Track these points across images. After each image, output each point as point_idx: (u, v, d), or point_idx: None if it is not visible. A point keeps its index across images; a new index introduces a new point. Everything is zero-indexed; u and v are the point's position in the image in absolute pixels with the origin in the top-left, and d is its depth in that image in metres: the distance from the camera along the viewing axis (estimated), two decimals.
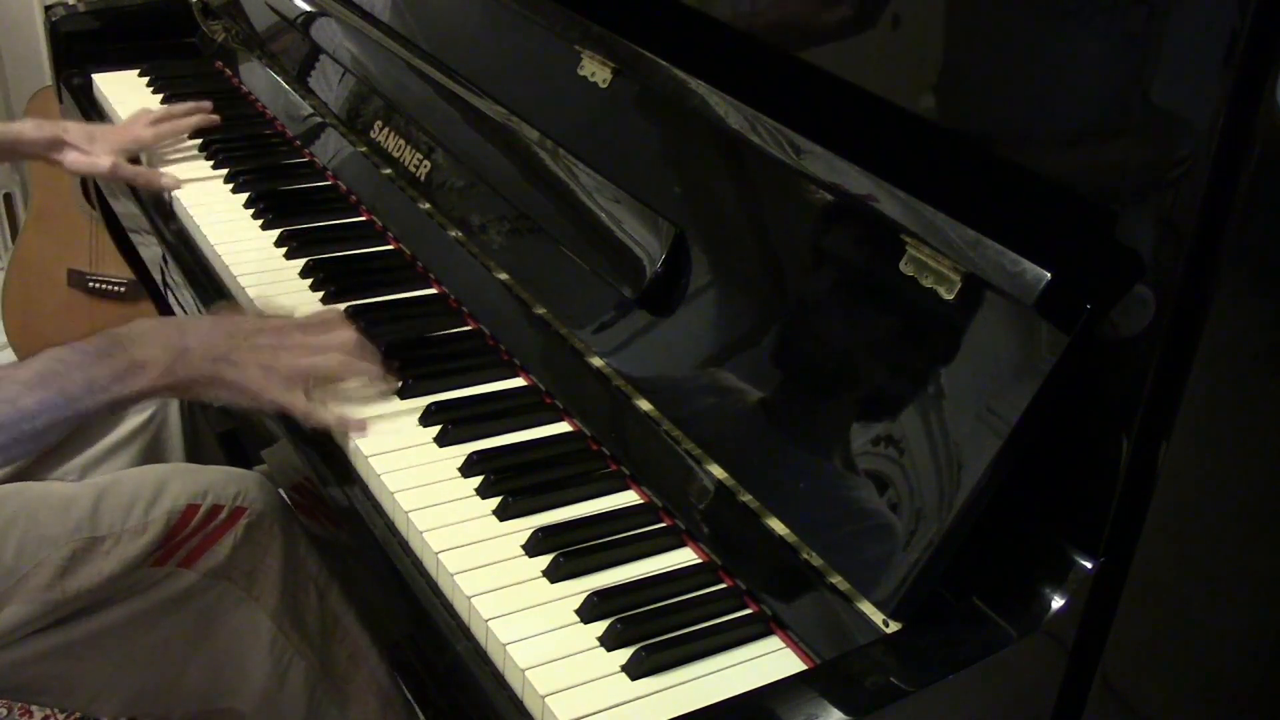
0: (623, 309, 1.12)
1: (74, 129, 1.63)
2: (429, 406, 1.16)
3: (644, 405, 1.09)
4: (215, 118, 1.72)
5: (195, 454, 1.53)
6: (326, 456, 1.15)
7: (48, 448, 1.37)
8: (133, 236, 1.95)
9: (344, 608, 1.29)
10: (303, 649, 1.27)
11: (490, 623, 0.93)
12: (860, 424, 0.91)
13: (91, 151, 1.61)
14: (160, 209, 1.61)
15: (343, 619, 1.29)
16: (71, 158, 1.61)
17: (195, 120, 1.70)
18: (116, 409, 1.11)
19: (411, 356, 1.23)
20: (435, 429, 1.14)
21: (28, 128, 1.62)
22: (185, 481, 1.24)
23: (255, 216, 1.53)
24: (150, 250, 1.73)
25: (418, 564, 1.02)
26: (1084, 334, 0.81)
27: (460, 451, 1.11)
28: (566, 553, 0.99)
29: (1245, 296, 0.79)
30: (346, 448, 1.14)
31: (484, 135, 1.36)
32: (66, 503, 1.20)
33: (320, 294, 1.36)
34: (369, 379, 1.18)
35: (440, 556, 0.99)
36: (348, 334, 1.18)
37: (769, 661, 0.92)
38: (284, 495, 1.30)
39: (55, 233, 2.53)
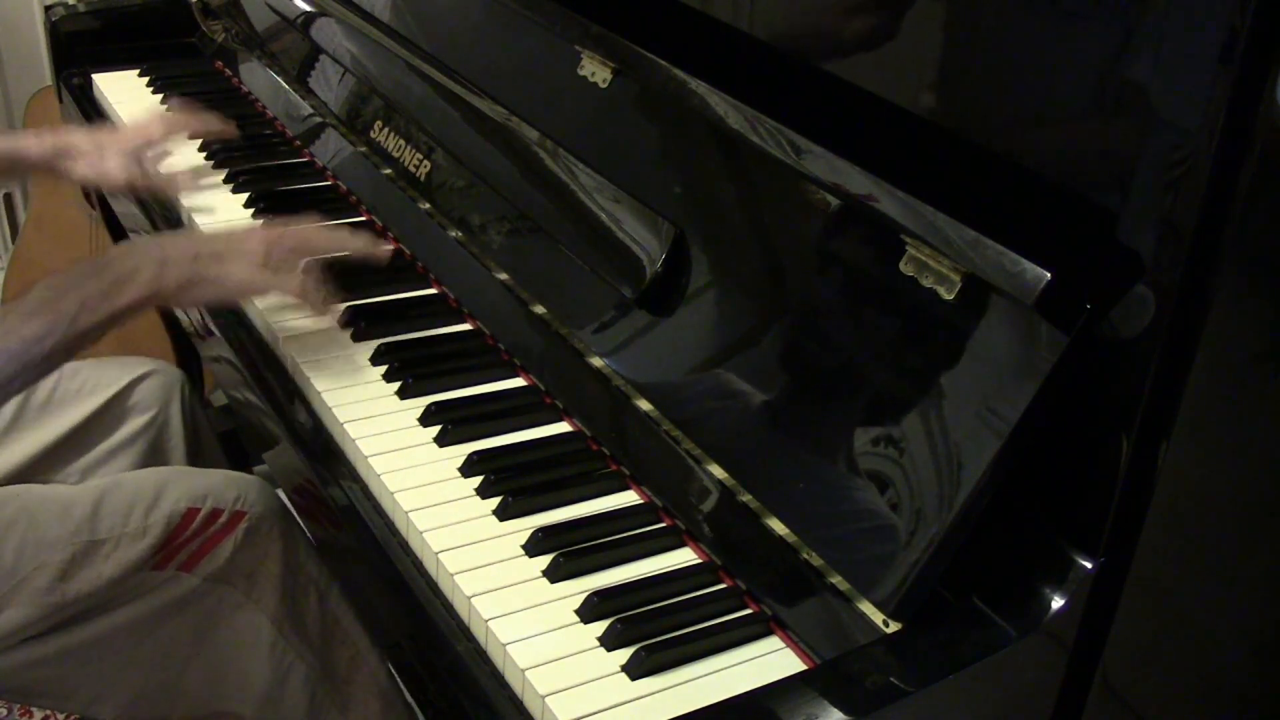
0: (623, 309, 1.12)
1: (80, 136, 1.52)
2: (429, 406, 1.16)
3: (644, 405, 1.09)
4: (232, 128, 1.63)
5: (196, 457, 1.53)
6: (327, 457, 1.15)
7: (46, 447, 1.37)
8: (132, 237, 1.95)
9: (344, 610, 1.29)
10: (303, 652, 1.27)
11: (490, 623, 0.93)
12: (860, 424, 0.91)
13: (102, 160, 1.48)
14: (160, 209, 1.60)
15: (343, 621, 1.29)
16: (81, 167, 1.49)
17: (213, 125, 1.61)
18: (115, 322, 1.13)
19: (411, 356, 1.23)
20: (435, 429, 1.14)
21: (29, 141, 1.50)
22: (185, 485, 1.24)
23: (255, 216, 1.53)
24: None
25: (418, 564, 1.02)
26: (1084, 334, 0.81)
27: (460, 451, 1.11)
28: (566, 553, 0.99)
29: (1245, 296, 0.78)
30: (347, 448, 1.14)
31: (484, 135, 1.36)
32: (66, 506, 1.20)
33: (320, 293, 1.36)
34: (351, 246, 1.25)
35: (440, 556, 0.99)
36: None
37: (769, 661, 0.92)
38: (284, 497, 1.30)
39: (55, 233, 2.53)
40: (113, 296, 1.11)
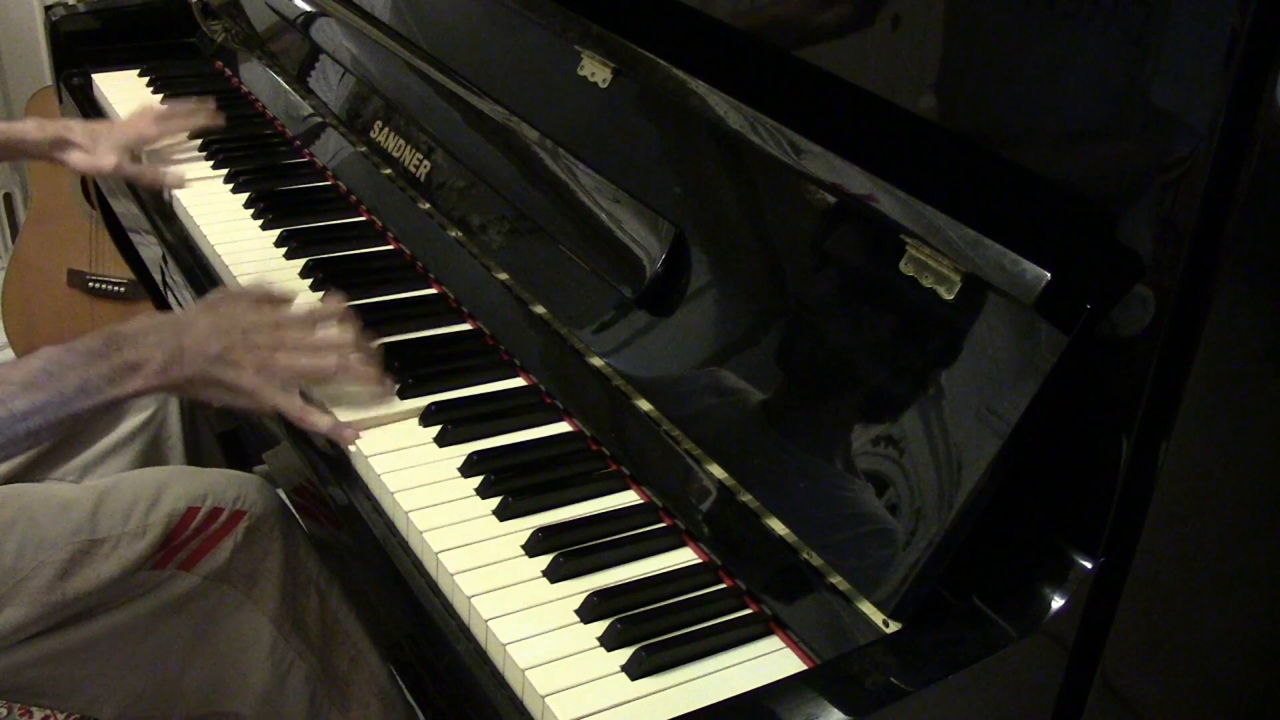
0: (623, 309, 1.12)
1: (77, 127, 1.60)
2: (429, 406, 1.16)
3: (644, 405, 1.09)
4: (220, 119, 1.69)
5: (195, 455, 1.53)
6: (327, 457, 1.15)
7: (43, 447, 1.37)
8: (133, 236, 1.95)
9: (345, 610, 1.29)
10: (303, 652, 1.27)
11: (490, 623, 0.93)
12: (860, 424, 0.91)
13: (95, 150, 1.58)
14: (160, 209, 1.61)
15: (343, 621, 1.29)
16: (75, 157, 1.57)
17: (200, 119, 1.67)
18: (112, 409, 1.11)
19: (411, 356, 1.23)
20: (435, 429, 1.14)
21: (30, 127, 1.58)
22: (185, 484, 1.24)
23: (255, 216, 1.53)
24: (150, 250, 1.73)
25: (418, 564, 1.02)
26: (1084, 334, 0.81)
27: (460, 451, 1.11)
28: (566, 553, 0.99)
29: (1245, 296, 0.79)
30: (346, 448, 1.14)
31: (484, 135, 1.36)
32: (66, 505, 1.20)
33: (320, 294, 1.36)
34: (366, 382, 1.17)
35: (440, 557, 0.99)
36: (347, 333, 1.18)
37: (769, 661, 0.92)
38: (284, 496, 1.30)
39: (55, 233, 2.54)
40: (116, 384, 1.06)
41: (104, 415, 1.09)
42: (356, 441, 1.12)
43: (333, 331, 1.18)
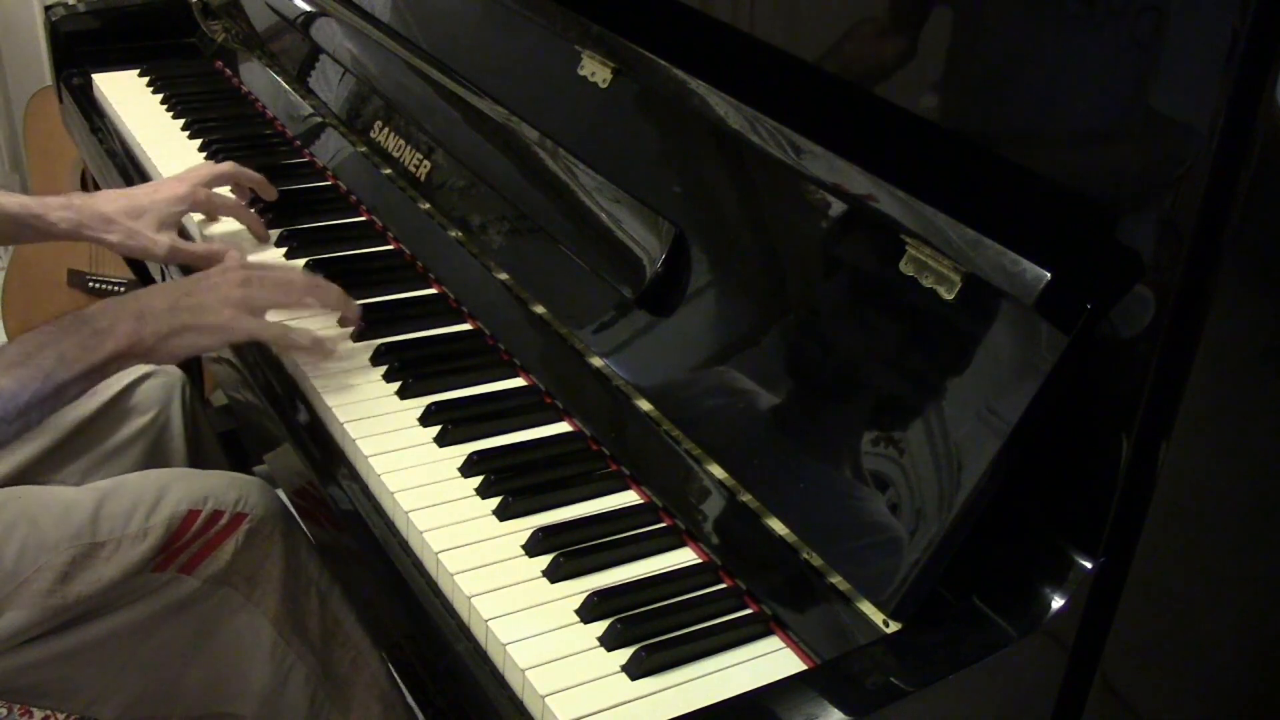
0: (623, 309, 1.12)
1: (112, 205, 1.40)
2: (429, 406, 1.16)
3: (644, 405, 1.09)
4: (274, 192, 1.52)
5: (197, 457, 1.53)
6: (327, 457, 1.15)
7: (44, 447, 1.37)
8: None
9: (345, 612, 1.29)
10: (304, 654, 1.27)
11: (490, 623, 0.93)
12: (860, 424, 0.91)
13: (139, 230, 1.40)
14: None
15: (344, 623, 1.29)
16: (117, 237, 1.40)
17: (257, 184, 1.51)
18: (93, 377, 1.13)
19: (411, 356, 1.23)
20: (435, 429, 1.14)
21: (53, 207, 1.39)
22: (186, 487, 1.24)
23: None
24: None
25: (418, 564, 1.02)
26: (1084, 334, 0.81)
27: (460, 451, 1.11)
28: (566, 553, 0.99)
29: (1245, 296, 0.78)
30: (347, 448, 1.14)
31: (484, 135, 1.36)
32: (67, 508, 1.20)
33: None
34: (331, 303, 1.23)
35: (440, 557, 0.99)
36: (302, 271, 1.26)
37: (769, 661, 0.92)
38: (285, 498, 1.30)
39: None
40: (90, 351, 1.11)
41: (88, 385, 1.13)
42: (359, 441, 1.12)
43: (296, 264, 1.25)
